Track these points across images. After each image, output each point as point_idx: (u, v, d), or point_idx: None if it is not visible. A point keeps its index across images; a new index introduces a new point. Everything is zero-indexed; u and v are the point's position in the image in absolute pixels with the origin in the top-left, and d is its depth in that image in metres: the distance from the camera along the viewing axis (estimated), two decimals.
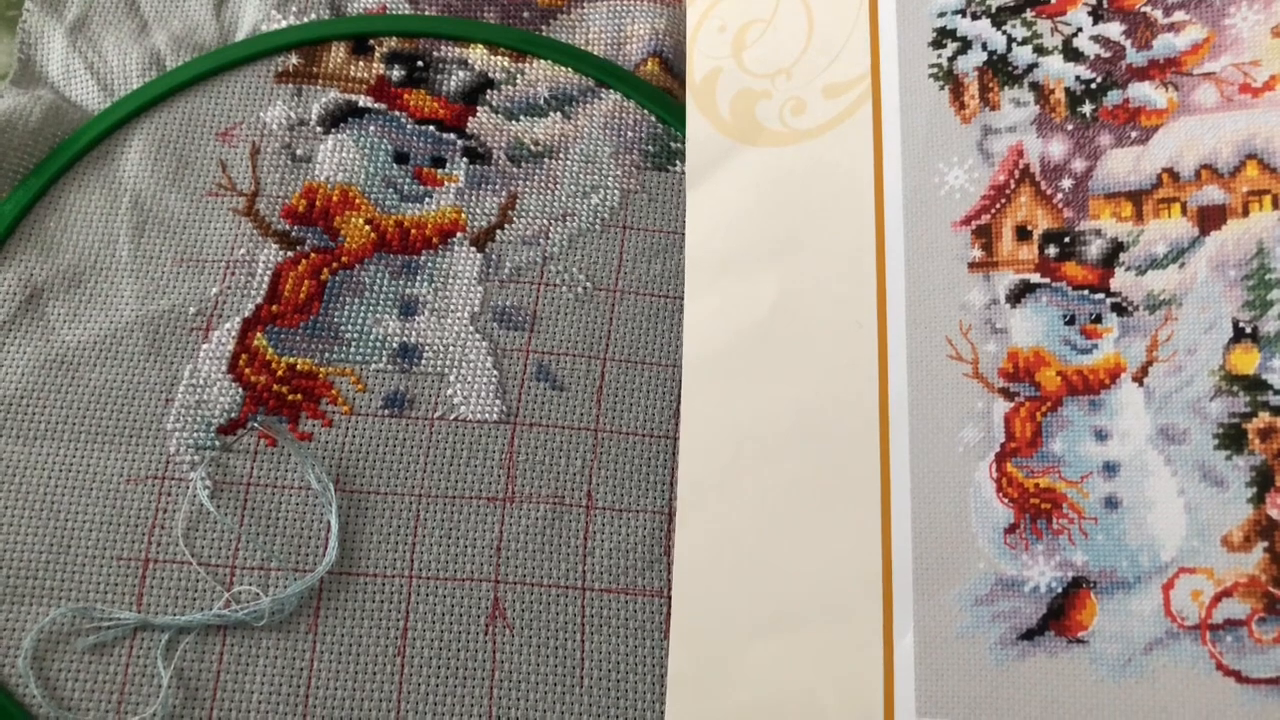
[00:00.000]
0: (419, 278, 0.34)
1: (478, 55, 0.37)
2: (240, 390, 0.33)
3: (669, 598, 0.31)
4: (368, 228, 0.35)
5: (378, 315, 0.34)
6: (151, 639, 0.30)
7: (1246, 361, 0.30)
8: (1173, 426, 0.31)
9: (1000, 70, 0.34)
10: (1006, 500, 0.31)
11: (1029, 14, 0.34)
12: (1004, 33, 0.34)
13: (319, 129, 0.36)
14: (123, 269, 0.34)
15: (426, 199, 0.35)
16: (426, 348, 0.33)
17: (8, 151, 0.35)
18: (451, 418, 0.33)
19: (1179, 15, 0.33)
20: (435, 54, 0.37)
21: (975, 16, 0.34)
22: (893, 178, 0.34)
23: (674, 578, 0.31)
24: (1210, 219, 0.31)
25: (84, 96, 0.37)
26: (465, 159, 0.36)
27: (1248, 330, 0.30)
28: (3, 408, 0.32)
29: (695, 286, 0.34)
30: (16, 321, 0.33)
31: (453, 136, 0.36)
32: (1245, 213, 0.31)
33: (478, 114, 0.37)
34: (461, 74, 0.37)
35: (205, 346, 0.33)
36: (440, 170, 0.36)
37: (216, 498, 0.31)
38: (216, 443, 0.32)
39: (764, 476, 0.32)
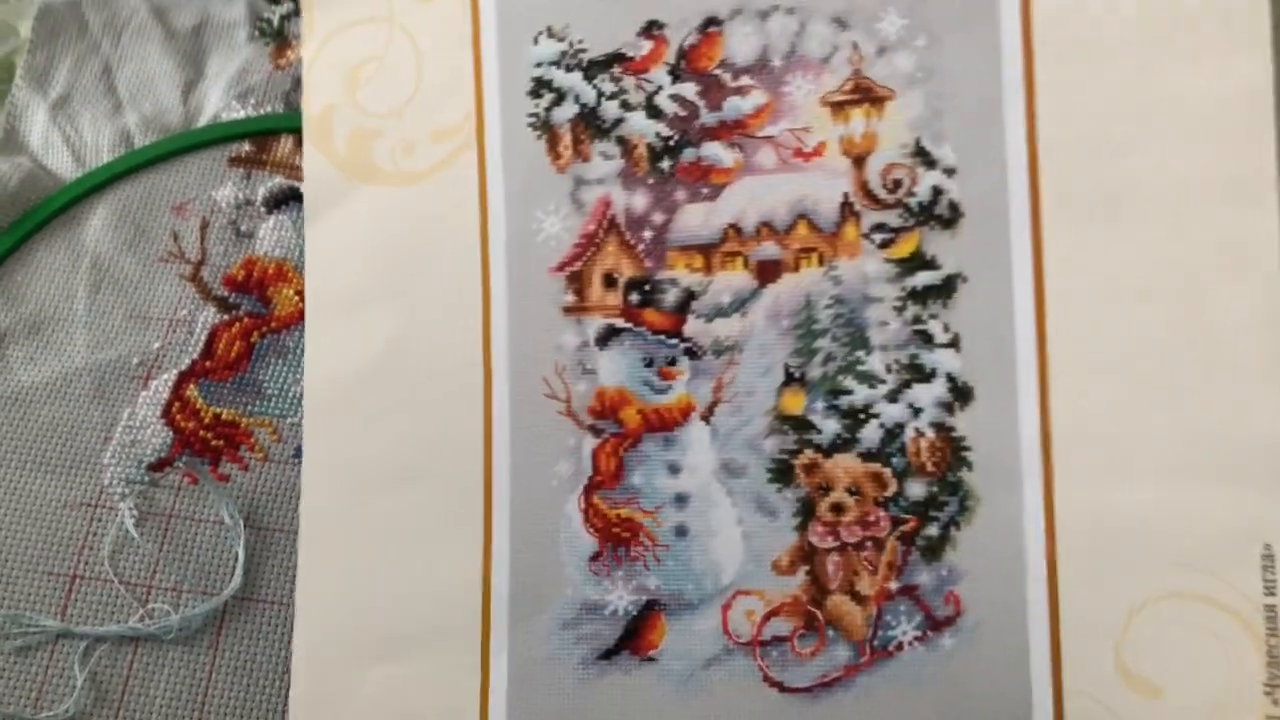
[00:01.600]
0: None
1: None
2: (171, 433, 0.36)
3: None
4: (297, 298, 0.38)
5: (298, 376, 0.37)
6: (71, 645, 0.33)
7: (795, 403, 0.33)
8: (734, 461, 0.33)
9: (591, 123, 0.35)
10: (592, 530, 0.33)
11: (616, 69, 0.35)
12: (594, 87, 0.35)
13: (263, 209, 0.40)
14: (78, 321, 0.38)
15: None
16: None
17: None
18: None
19: (745, 79, 0.34)
20: None
21: (569, 69, 0.35)
22: (496, 222, 0.34)
23: (296, 606, 0.33)
24: (767, 272, 0.33)
25: (59, 166, 0.40)
26: None
27: (797, 375, 0.33)
28: None
29: (314, 323, 0.35)
30: None
31: None
32: (797, 268, 0.33)
33: None
34: None
35: (144, 393, 0.37)
36: None
37: (141, 526, 0.35)
38: (146, 478, 0.36)
39: (378, 507, 0.33)
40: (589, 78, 0.35)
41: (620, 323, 0.34)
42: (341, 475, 0.34)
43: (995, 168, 0.32)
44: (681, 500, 0.33)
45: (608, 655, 0.32)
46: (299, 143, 0.41)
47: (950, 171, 0.33)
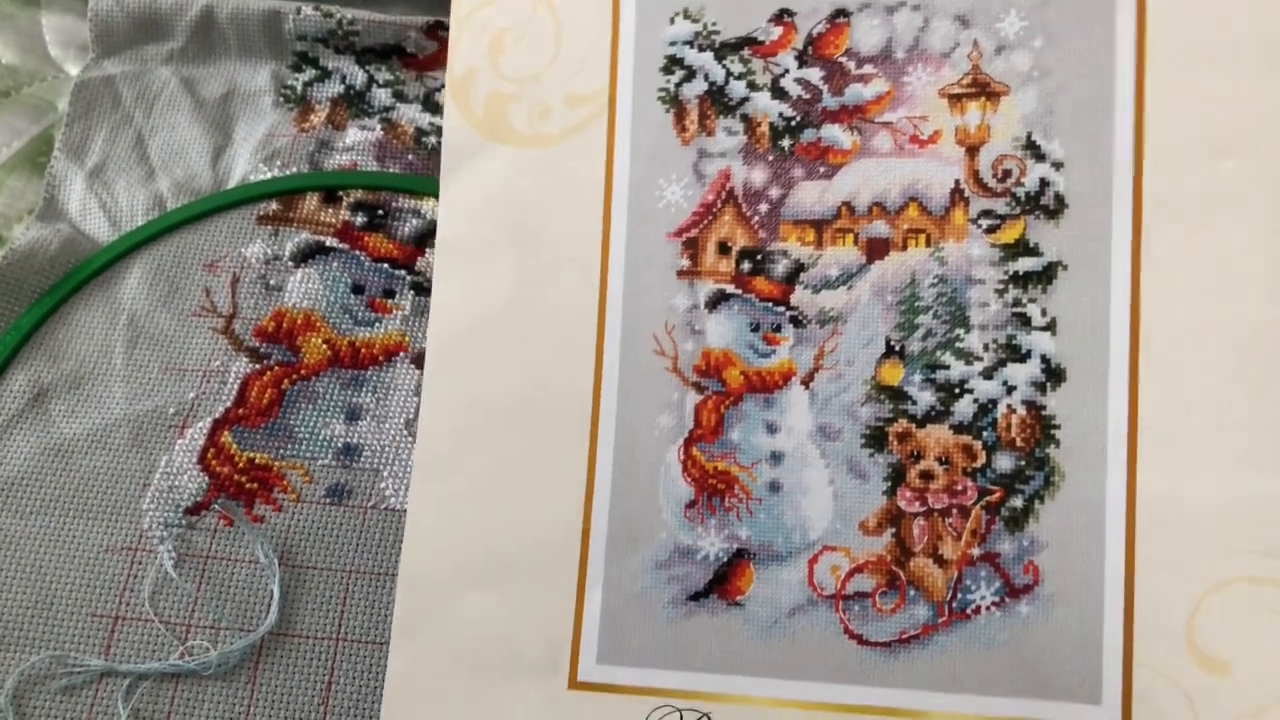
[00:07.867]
0: (364, 389, 0.42)
1: (429, 206, 0.45)
2: (206, 479, 0.40)
3: None
4: (325, 346, 0.43)
5: (327, 419, 0.41)
6: (115, 683, 0.36)
7: (893, 375, 0.37)
8: (830, 425, 0.37)
9: (718, 100, 0.39)
10: (689, 479, 0.37)
11: (746, 52, 0.39)
12: (724, 66, 0.40)
13: (290, 263, 0.44)
14: (116, 374, 0.42)
15: (376, 323, 0.43)
16: (366, 448, 0.41)
17: (29, 275, 0.43)
18: (383, 507, 0.40)
19: (868, 68, 0.39)
20: (394, 204, 0.45)
21: (701, 49, 0.40)
22: (620, 187, 0.39)
23: (405, 534, 0.37)
24: (876, 250, 0.38)
25: (96, 230, 0.45)
26: (412, 291, 0.44)
27: (897, 348, 0.37)
28: (5, 487, 0.40)
29: (443, 270, 0.40)
30: (23, 415, 0.41)
31: (403, 273, 0.44)
32: (904, 247, 0.37)
33: (426, 255, 0.44)
34: (415, 221, 0.45)
35: (180, 441, 0.41)
36: (390, 300, 0.44)
37: (179, 567, 0.38)
38: (183, 522, 0.39)
39: (490, 447, 0.38)
40: (719, 58, 0.40)
41: (730, 288, 0.39)
42: (458, 411, 0.39)
43: (1101, 164, 0.36)
44: (777, 458, 0.38)
45: (696, 597, 0.37)
46: (324, 199, 0.46)
47: (1058, 165, 0.37)
